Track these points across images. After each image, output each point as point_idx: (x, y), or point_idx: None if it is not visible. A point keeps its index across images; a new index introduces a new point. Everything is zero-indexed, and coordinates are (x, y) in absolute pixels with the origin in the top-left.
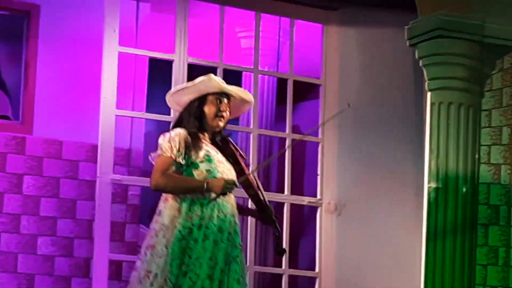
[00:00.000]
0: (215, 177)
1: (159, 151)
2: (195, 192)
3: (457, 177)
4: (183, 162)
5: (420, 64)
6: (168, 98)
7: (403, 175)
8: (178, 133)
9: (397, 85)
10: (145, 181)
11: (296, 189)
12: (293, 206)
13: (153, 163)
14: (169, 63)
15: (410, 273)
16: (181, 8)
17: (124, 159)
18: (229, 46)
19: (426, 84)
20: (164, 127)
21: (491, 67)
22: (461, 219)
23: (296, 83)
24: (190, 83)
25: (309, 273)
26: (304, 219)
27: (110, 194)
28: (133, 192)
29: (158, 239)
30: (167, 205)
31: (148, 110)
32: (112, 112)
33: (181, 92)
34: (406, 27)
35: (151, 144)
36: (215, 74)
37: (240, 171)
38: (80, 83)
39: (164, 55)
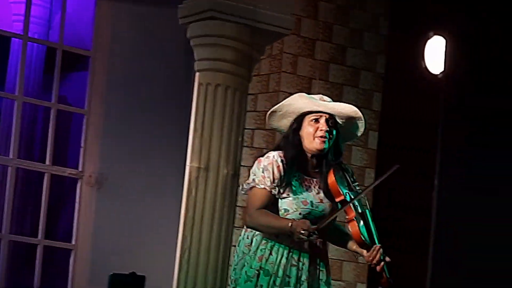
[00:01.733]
0: (294, 219)
1: (251, 182)
2: (281, 233)
3: (219, 159)
4: (277, 195)
5: (191, 44)
6: (268, 124)
7: (167, 152)
8: (272, 161)
9: (168, 63)
10: None
11: (59, 160)
12: (53, 177)
13: (246, 194)
14: None
15: (169, 248)
16: None
17: None
18: None
19: (195, 64)
20: None
21: (260, 52)
22: (221, 201)
23: (65, 53)
24: (278, 106)
25: (65, 245)
26: (64, 191)
27: None
28: None
29: (233, 273)
30: (244, 236)
31: None
32: None
33: (272, 117)
34: (179, 5)
35: None
36: None
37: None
38: None
39: None
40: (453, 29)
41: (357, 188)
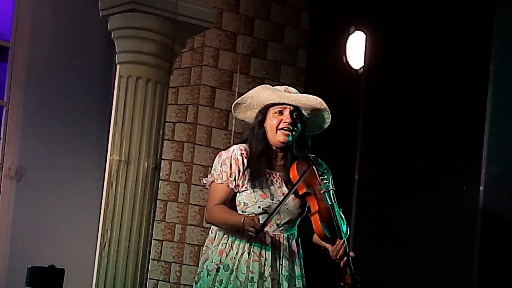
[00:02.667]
0: (253, 213)
1: (210, 177)
2: (236, 229)
3: (140, 152)
4: (236, 189)
5: (112, 36)
6: (234, 115)
7: (87, 145)
8: (230, 155)
9: (89, 55)
10: None
11: None
12: None
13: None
14: None
15: (89, 241)
16: None
17: None
18: None
19: (116, 56)
20: None
21: (182, 45)
22: (142, 194)
23: None
24: (241, 98)
25: None
26: None
27: None
28: None
29: (199, 267)
30: (210, 230)
31: None
32: None
33: (237, 109)
34: None
35: None
36: None
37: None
38: None
39: None
40: (373, 24)
41: (325, 181)
